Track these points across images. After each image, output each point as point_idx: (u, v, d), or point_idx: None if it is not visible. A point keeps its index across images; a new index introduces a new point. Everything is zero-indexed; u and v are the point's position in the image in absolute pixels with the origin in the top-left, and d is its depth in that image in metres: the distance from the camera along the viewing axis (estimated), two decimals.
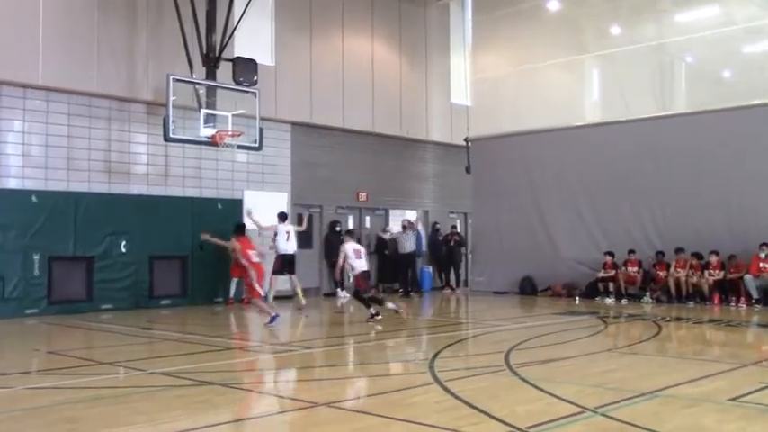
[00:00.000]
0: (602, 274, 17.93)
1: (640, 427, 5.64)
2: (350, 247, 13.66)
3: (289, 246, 16.55)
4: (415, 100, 22.74)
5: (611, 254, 17.85)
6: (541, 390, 7.05)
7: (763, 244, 15.81)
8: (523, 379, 7.64)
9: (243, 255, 13.13)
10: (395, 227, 21.68)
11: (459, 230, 22.54)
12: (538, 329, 12.40)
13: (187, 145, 16.61)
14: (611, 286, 17.67)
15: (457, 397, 6.74)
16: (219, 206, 17.62)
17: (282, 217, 16.77)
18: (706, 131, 17.15)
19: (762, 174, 16.11)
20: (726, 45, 17.97)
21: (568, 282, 18.89)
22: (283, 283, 16.94)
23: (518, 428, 5.59)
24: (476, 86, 22.16)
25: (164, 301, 16.37)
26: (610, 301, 17.33)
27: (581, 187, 19.22)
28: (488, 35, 21.83)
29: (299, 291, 16.41)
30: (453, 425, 5.76)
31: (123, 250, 15.79)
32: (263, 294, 13.27)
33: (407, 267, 20.29)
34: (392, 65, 22.16)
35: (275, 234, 16.57)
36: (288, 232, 16.59)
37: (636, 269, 17.67)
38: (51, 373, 8.50)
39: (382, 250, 21.17)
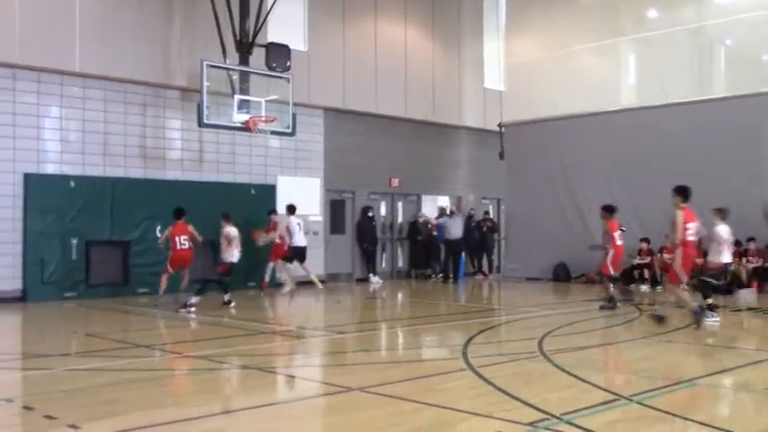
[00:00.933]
0: (637, 260, 17.72)
1: (677, 416, 5.59)
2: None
3: (299, 238, 16.69)
4: (449, 85, 22.61)
5: (646, 240, 17.62)
6: (575, 377, 7.00)
7: None
8: (557, 366, 7.60)
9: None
10: (432, 212, 21.69)
11: (491, 216, 22.44)
12: (571, 316, 12.31)
13: (221, 131, 16.72)
14: (646, 273, 17.46)
15: (490, 383, 6.72)
16: (253, 191, 17.71)
17: (291, 209, 16.81)
18: (746, 115, 16.80)
19: None
20: (766, 28, 17.57)
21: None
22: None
23: (552, 415, 5.56)
24: (509, 71, 21.94)
25: (199, 286, 16.48)
26: (645, 288, 17.13)
27: (616, 173, 18.98)
28: (522, 19, 21.57)
29: (314, 277, 16.85)
30: (486, 411, 5.75)
31: (159, 235, 15.96)
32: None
33: (454, 253, 20.21)
34: (425, 50, 22.04)
35: (287, 227, 16.60)
36: (299, 224, 16.73)
37: (670, 256, 17.39)
38: (90, 355, 8.64)
39: (415, 236, 21.15)
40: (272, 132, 16.63)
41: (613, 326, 11.28)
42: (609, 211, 13.66)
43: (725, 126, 17.00)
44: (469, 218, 22.07)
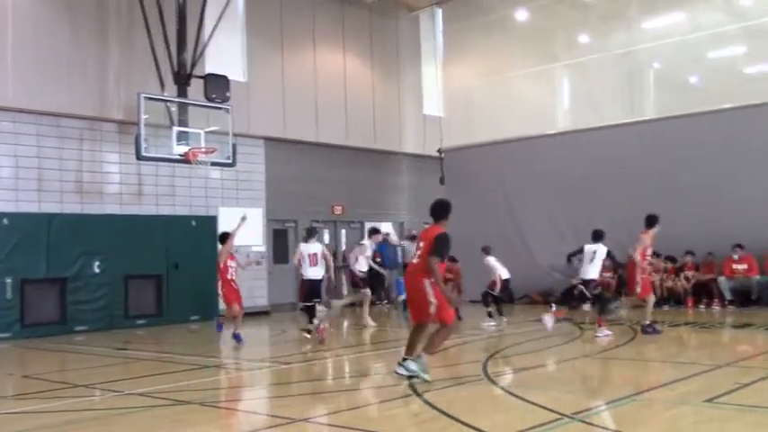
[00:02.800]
0: (575, 280, 17.99)
1: (613, 431, 5.68)
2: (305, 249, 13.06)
3: (312, 271, 13.18)
4: (388, 112, 22.81)
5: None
6: (520, 398, 7.07)
7: (736, 245, 16.02)
8: (502, 388, 7.66)
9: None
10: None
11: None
12: (515, 337, 12.43)
13: (160, 163, 16.52)
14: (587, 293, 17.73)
15: (436, 408, 6.73)
16: (194, 223, 17.51)
17: (310, 233, 13.69)
18: (675, 136, 17.36)
19: (732, 176, 16.30)
20: (692, 51, 18.27)
21: (545, 289, 18.98)
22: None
23: None
24: (448, 97, 22.28)
25: (139, 321, 16.18)
26: (586, 307, 17.41)
27: (555, 195, 19.35)
28: (459, 46, 21.97)
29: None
30: None
31: (97, 270, 15.62)
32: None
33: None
34: (364, 77, 22.23)
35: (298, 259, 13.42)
36: (313, 254, 13.23)
37: (611, 275, 17.78)
38: (27, 397, 8.36)
39: None
40: (213, 164, 16.50)
41: (556, 345, 11.43)
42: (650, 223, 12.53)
43: (656, 147, 17.52)
44: (413, 241, 22.17)
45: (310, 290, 13.16)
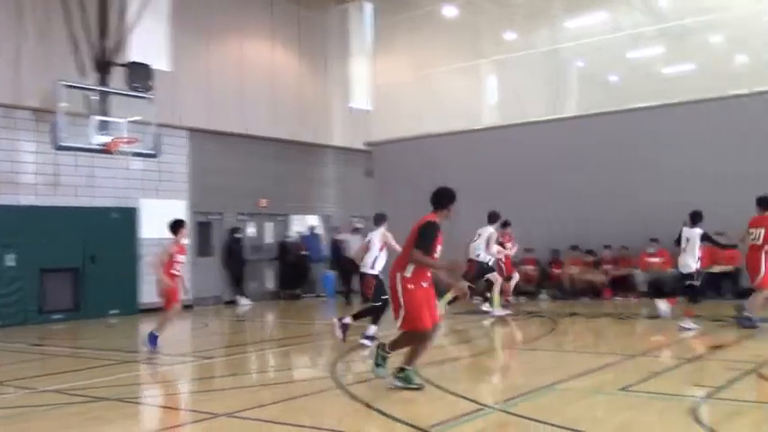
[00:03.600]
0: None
1: (536, 420, 5.81)
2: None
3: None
4: (316, 104, 22.67)
5: (529, 250, 18.30)
6: (443, 389, 7.14)
7: (652, 240, 16.57)
8: (426, 379, 7.72)
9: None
10: (296, 230, 21.60)
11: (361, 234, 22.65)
12: (440, 330, 12.54)
13: (79, 153, 16.00)
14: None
15: (360, 401, 6.74)
16: (114, 215, 17.04)
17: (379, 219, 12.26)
18: (597, 133, 17.82)
19: (649, 171, 16.83)
20: (613, 51, 18.80)
21: (470, 282, 19.19)
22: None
23: (421, 429, 5.64)
24: (376, 91, 22.31)
25: (55, 316, 15.67)
26: (524, 299, 17.74)
27: (480, 189, 19.57)
28: (388, 40, 22.02)
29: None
30: (356, 428, 5.77)
31: (11, 264, 15.05)
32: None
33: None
34: (292, 69, 22.03)
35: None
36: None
37: (533, 267, 18.18)
38: None
39: (284, 256, 21.00)
40: (135, 154, 16.07)
41: (480, 337, 11.60)
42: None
43: (579, 143, 17.95)
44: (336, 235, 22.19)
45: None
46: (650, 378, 7.46)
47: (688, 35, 17.96)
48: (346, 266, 17.96)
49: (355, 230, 18.62)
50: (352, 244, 17.76)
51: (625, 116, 17.58)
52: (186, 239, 11.53)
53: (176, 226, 10.97)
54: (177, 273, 10.92)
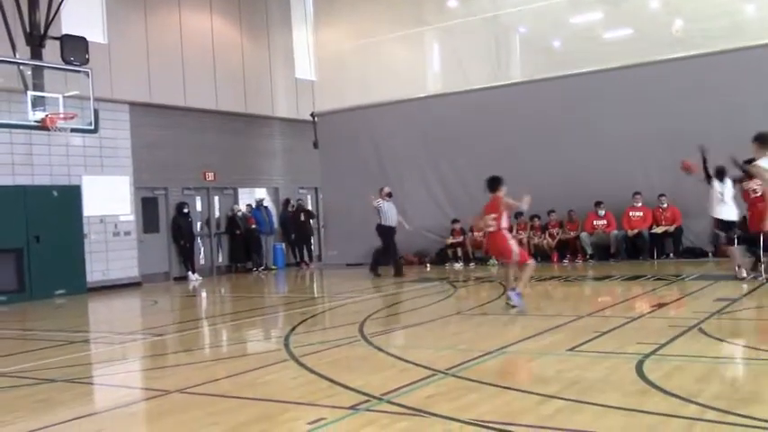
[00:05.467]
0: (450, 240, 18.53)
1: (487, 384, 5.91)
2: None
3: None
4: (259, 75, 22.37)
5: (458, 221, 18.45)
6: (395, 357, 7.21)
7: (597, 203, 16.89)
8: (378, 348, 7.79)
9: None
10: (244, 205, 21.41)
11: (308, 205, 22.63)
12: (391, 298, 12.66)
13: (14, 130, 15.52)
14: (459, 252, 18.31)
15: (312, 371, 6.76)
16: (55, 193, 16.64)
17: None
18: (541, 98, 18.00)
19: (594, 136, 17.12)
20: (555, 16, 18.93)
21: (420, 250, 19.38)
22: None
23: (373, 396, 5.69)
24: (320, 61, 22.10)
25: None
26: (459, 266, 17.96)
27: (427, 157, 19.69)
28: (330, 9, 21.79)
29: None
30: (309, 399, 5.79)
31: None
32: None
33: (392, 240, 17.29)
34: (233, 40, 21.66)
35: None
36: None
37: (481, 234, 18.36)
38: None
39: (233, 230, 20.83)
40: (73, 130, 15.64)
41: (431, 304, 11.72)
42: None
43: (523, 109, 18.11)
44: (287, 208, 22.11)
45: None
46: (597, 337, 7.65)
47: (626, 0, 18.18)
48: (387, 233, 17.01)
49: (389, 195, 17.30)
50: (388, 210, 17.00)
51: (567, 81, 17.78)
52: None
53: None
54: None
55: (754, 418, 4.66)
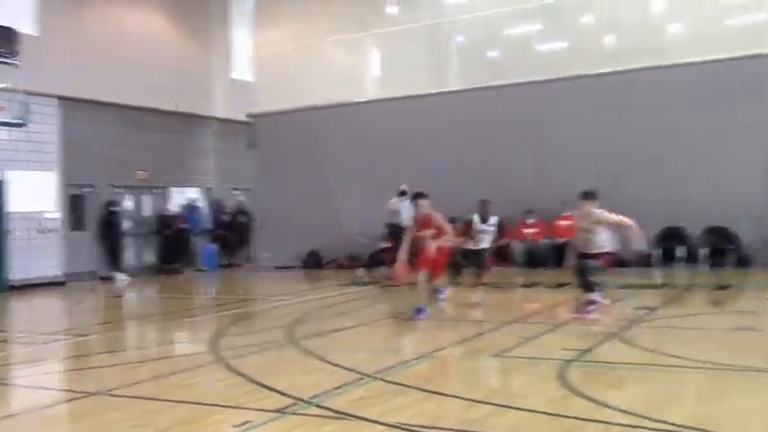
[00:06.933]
0: (383, 245, 18.59)
1: (415, 388, 5.97)
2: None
3: None
4: (196, 74, 22.06)
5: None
6: (324, 360, 7.22)
7: (528, 211, 17.22)
8: (307, 351, 7.78)
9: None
10: (175, 205, 21.08)
11: (244, 207, 22.41)
12: (322, 302, 12.64)
13: None
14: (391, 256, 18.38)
15: (240, 374, 6.72)
16: None
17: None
18: (477, 106, 18.25)
19: (527, 145, 17.40)
20: (492, 27, 19.27)
21: (353, 254, 19.40)
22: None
23: (300, 399, 5.69)
24: (259, 61, 21.95)
25: None
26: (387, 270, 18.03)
27: (364, 162, 19.73)
28: (271, 9, 21.68)
29: None
30: (235, 402, 5.75)
31: None
32: None
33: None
34: (171, 37, 21.33)
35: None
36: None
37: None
38: None
39: (163, 230, 20.48)
40: (0, 123, 15.18)
41: (362, 308, 11.76)
42: None
43: (460, 118, 18.33)
44: (220, 209, 21.88)
45: None
46: (522, 344, 7.81)
47: (562, 14, 18.62)
48: (399, 234, 15.36)
49: (402, 194, 16.22)
50: (403, 209, 15.73)
51: (503, 91, 18.09)
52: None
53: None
54: None
55: (666, 422, 4.85)
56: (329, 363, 7.07)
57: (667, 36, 17.87)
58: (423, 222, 9.97)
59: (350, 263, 19.25)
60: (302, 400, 5.68)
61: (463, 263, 12.94)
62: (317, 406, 5.52)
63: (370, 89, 21.23)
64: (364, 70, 21.80)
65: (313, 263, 19.95)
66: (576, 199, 10.25)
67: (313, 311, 11.24)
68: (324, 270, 19.43)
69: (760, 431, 4.61)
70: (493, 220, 12.11)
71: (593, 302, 9.98)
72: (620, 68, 16.89)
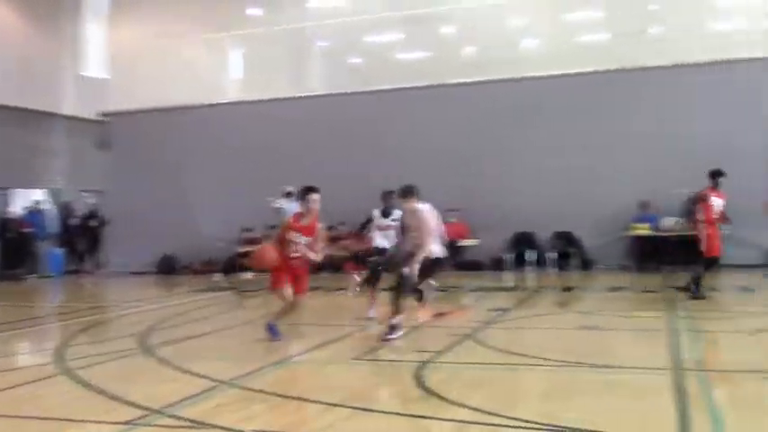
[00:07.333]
0: (241, 249, 18.33)
1: (272, 394, 5.90)
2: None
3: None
4: (44, 68, 20.80)
5: (249, 230, 18.32)
6: (179, 368, 6.99)
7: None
8: (161, 359, 7.51)
9: None
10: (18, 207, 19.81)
11: (96, 210, 21.40)
12: (177, 308, 12.27)
13: None
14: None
15: (88, 385, 6.38)
16: None
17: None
18: (338, 111, 18.39)
19: (387, 151, 17.67)
20: (354, 33, 19.48)
21: (209, 259, 19.00)
22: None
23: (153, 410, 5.48)
24: (114, 58, 21.11)
25: None
26: (249, 275, 17.79)
27: (223, 165, 19.38)
28: (127, 4, 20.88)
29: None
30: (81, 415, 5.47)
31: None
32: None
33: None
34: (16, 27, 20.04)
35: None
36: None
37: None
38: None
39: (4, 233, 19.20)
40: None
41: (218, 314, 11.52)
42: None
43: (322, 122, 18.39)
44: (69, 211, 20.80)
45: None
46: (380, 347, 7.90)
47: (423, 24, 19.07)
48: None
49: (288, 195, 15.68)
50: (290, 211, 15.70)
51: (364, 97, 18.32)
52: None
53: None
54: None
55: (518, 419, 5.04)
56: (184, 371, 6.85)
57: (520, 50, 18.69)
58: (311, 224, 8.40)
59: (206, 268, 18.85)
60: (154, 410, 5.47)
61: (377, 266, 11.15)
62: (170, 416, 5.33)
63: (231, 91, 20.87)
64: (226, 71, 21.41)
65: (168, 268, 19.37)
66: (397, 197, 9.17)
67: (168, 318, 10.87)
68: (179, 275, 18.90)
69: (603, 424, 4.87)
70: (396, 214, 10.46)
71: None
72: (479, 79, 17.53)
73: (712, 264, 11.15)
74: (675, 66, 16.43)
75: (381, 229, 10.63)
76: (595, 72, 16.89)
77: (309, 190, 8.49)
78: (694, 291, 10.98)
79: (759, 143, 15.72)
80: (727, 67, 16.05)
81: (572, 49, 17.91)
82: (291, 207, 15.27)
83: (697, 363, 6.98)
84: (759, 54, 15.89)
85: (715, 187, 11.03)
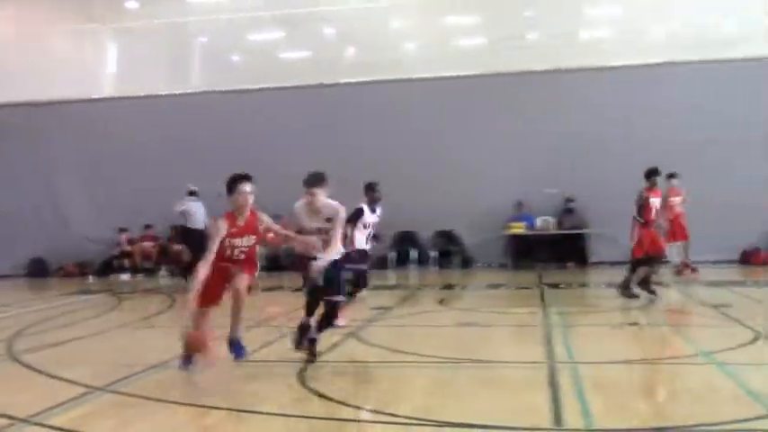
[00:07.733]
0: (117, 250, 17.71)
1: (148, 398, 5.73)
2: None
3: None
4: None
5: (125, 230, 17.72)
6: (48, 375, 6.66)
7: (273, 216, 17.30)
8: (28, 366, 7.13)
9: None
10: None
11: None
12: (48, 312, 11.69)
13: None
14: (126, 263, 17.55)
15: None
16: None
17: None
18: (218, 109, 18.02)
19: (271, 151, 17.34)
20: (236, 31, 19.16)
21: (82, 260, 18.22)
22: None
23: (18, 419, 5.19)
24: None
25: None
26: (126, 277, 17.20)
27: (97, 163, 18.62)
28: None
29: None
30: None
31: None
32: None
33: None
34: None
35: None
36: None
37: (152, 244, 17.83)
38: None
39: None
40: None
41: (92, 318, 11.07)
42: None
43: (201, 119, 17.94)
44: None
45: None
46: (263, 347, 7.79)
47: (303, 24, 18.99)
48: (192, 239, 14.32)
49: (192, 194, 15.11)
50: (197, 211, 14.78)
51: (245, 95, 18.06)
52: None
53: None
54: None
55: (398, 416, 5.09)
56: (53, 377, 6.53)
57: (401, 52, 18.94)
58: (250, 221, 6.73)
59: (79, 270, 18.07)
60: (20, 419, 5.17)
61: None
62: (38, 424, 5.07)
63: (106, 87, 20.04)
64: (100, 66, 20.52)
65: (38, 271, 18.42)
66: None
67: (37, 323, 10.32)
68: (50, 278, 18.02)
69: (482, 417, 4.99)
70: (379, 210, 9.91)
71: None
72: (360, 80, 17.64)
73: (648, 262, 11.26)
74: (548, 71, 17.10)
75: (365, 227, 9.70)
76: (474, 75, 17.35)
77: (238, 180, 6.72)
78: (624, 291, 10.99)
79: (629, 144, 16.35)
80: (599, 73, 16.84)
81: (451, 52, 18.35)
82: (198, 207, 14.93)
83: (568, 355, 7.28)
84: (627, 62, 16.76)
85: (652, 187, 11.29)
